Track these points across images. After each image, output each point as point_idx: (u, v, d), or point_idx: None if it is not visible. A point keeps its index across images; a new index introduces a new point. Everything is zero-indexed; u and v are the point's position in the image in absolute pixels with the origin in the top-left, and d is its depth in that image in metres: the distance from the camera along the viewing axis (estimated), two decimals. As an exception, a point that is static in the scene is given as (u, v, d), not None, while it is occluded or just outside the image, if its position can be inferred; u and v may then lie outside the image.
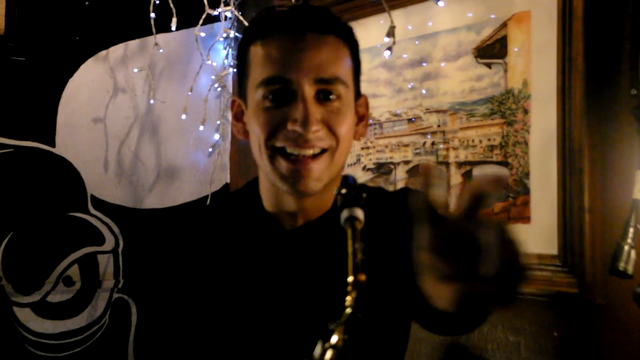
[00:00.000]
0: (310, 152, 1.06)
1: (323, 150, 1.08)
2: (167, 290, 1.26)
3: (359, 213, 0.82)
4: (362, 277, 0.77)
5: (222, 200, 1.38)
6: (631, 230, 1.28)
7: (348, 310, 0.75)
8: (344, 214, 0.82)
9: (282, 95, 1.07)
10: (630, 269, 1.25)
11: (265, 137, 1.08)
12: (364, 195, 0.86)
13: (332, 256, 1.11)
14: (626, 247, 1.25)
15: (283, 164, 1.07)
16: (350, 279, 0.77)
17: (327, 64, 1.07)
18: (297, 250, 1.16)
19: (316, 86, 1.06)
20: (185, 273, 1.22)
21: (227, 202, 1.34)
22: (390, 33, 1.80)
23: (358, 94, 1.17)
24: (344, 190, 0.84)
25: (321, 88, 1.07)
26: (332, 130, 1.07)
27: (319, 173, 1.07)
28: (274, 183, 1.11)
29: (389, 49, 1.83)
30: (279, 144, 1.07)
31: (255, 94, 1.09)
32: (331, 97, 1.08)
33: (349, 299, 0.76)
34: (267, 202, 1.18)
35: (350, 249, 0.79)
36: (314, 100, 1.06)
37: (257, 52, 1.10)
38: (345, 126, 1.09)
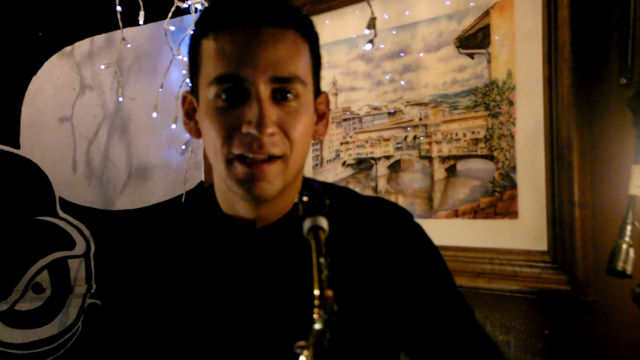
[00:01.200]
0: (264, 156, 1.00)
1: (278, 156, 1.01)
2: (119, 298, 1.21)
3: (323, 222, 0.76)
4: (329, 293, 0.71)
5: (178, 206, 1.32)
6: (629, 228, 1.22)
7: (317, 326, 0.68)
8: (307, 223, 0.76)
9: (235, 95, 1.00)
10: (629, 269, 1.20)
11: (221, 143, 1.01)
12: (327, 201, 0.80)
13: (292, 260, 1.06)
14: (624, 246, 1.20)
15: (239, 168, 1.01)
16: (316, 292, 0.71)
17: (284, 61, 1.00)
18: (255, 254, 1.10)
19: (272, 85, 0.99)
20: (136, 282, 1.16)
21: (184, 207, 1.29)
22: (371, 25, 1.73)
23: (318, 92, 1.11)
24: (305, 198, 0.78)
25: (278, 87, 1.00)
26: (287, 135, 1.01)
27: (273, 176, 1.01)
28: (229, 188, 1.05)
29: (371, 41, 1.76)
30: (235, 151, 1.00)
31: (208, 92, 1.02)
32: (288, 96, 1.01)
33: (315, 315, 0.70)
34: (224, 206, 1.12)
35: (314, 261, 0.74)
36: (270, 100, 0.99)
37: (209, 46, 1.02)
38: (301, 129, 1.02)
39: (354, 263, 1.07)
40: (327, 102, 1.14)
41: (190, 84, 1.12)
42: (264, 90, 0.98)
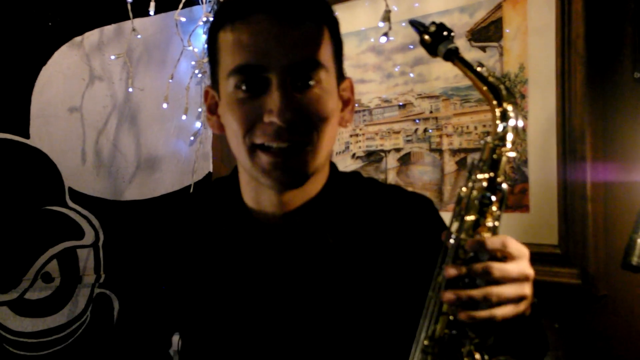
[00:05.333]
0: (289, 145, 0.99)
1: (304, 144, 1.00)
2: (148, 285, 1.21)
3: None
4: None
5: (201, 192, 1.34)
6: (644, 222, 1.22)
7: None
8: None
9: (255, 85, 0.99)
10: (644, 264, 1.20)
11: (242, 134, 1.00)
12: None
13: (314, 249, 1.07)
14: (639, 240, 1.20)
15: (264, 158, 1.00)
16: None
17: (303, 47, 0.99)
18: (279, 242, 1.10)
19: (292, 72, 0.98)
20: (161, 269, 1.17)
21: (207, 193, 1.27)
22: (386, 18, 1.73)
23: (341, 77, 1.09)
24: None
25: (298, 74, 0.99)
26: (312, 122, 0.99)
27: (300, 165, 1.00)
28: (255, 177, 1.05)
29: (385, 34, 1.76)
30: (257, 140, 0.99)
31: (227, 84, 1.01)
32: (310, 83, 0.99)
33: None
34: (247, 196, 1.12)
35: None
36: (291, 87, 0.98)
37: (226, 38, 1.02)
38: (326, 115, 1.01)
39: (379, 249, 1.08)
40: (352, 89, 1.13)
41: (210, 79, 1.11)
42: (284, 77, 0.97)
